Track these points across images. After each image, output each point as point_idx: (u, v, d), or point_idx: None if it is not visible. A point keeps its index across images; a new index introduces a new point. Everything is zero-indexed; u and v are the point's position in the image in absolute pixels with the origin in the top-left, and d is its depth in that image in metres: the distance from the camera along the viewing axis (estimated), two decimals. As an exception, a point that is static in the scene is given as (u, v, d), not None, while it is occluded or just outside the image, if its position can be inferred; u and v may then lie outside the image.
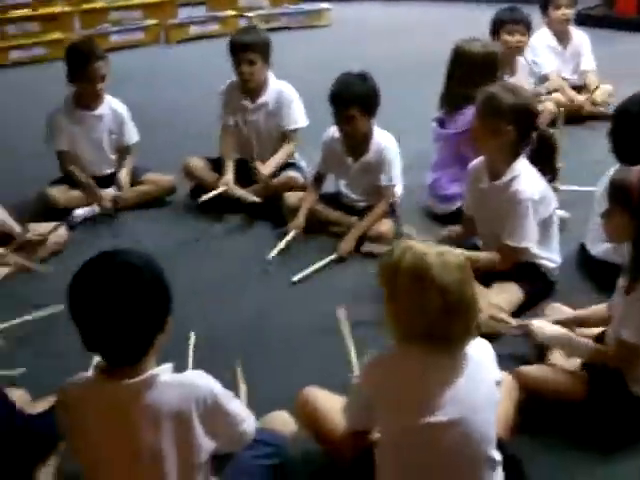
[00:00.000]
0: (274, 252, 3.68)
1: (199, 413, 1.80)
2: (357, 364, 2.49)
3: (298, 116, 4.23)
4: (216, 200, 4.14)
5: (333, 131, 3.80)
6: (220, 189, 4.11)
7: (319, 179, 3.96)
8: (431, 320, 1.89)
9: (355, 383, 2.07)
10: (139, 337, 1.77)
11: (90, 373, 1.84)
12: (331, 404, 2.24)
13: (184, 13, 8.53)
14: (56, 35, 7.67)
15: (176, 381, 1.82)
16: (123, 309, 1.71)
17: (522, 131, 3.06)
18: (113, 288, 1.71)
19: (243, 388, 2.49)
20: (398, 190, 3.82)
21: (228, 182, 4.13)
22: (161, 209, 4.34)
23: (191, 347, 2.76)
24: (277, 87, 4.23)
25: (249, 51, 4.05)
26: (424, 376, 1.92)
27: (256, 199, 4.14)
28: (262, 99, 4.21)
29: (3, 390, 2.20)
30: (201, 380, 1.85)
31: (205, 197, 4.09)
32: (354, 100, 3.58)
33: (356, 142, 3.74)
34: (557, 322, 2.69)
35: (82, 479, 1.92)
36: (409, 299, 1.91)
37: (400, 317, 1.94)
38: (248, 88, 4.19)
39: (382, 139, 3.74)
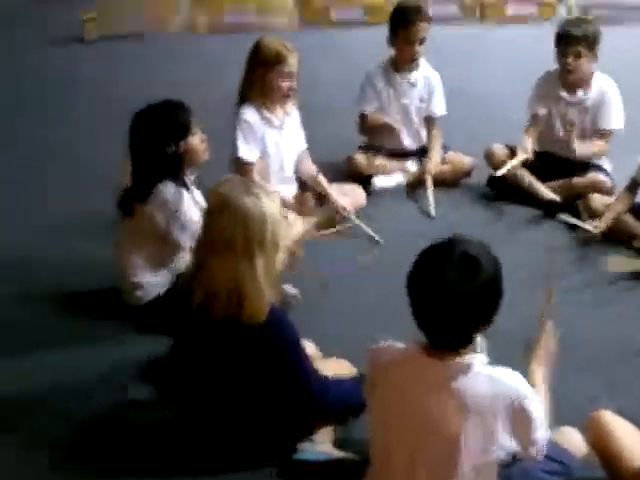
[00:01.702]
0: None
1: (505, 411, 1.79)
2: None
3: (616, 118, 4.04)
4: (510, 191, 4.10)
5: None
6: (519, 157, 4.00)
7: (634, 187, 3.71)
8: None
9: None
10: (466, 329, 1.82)
11: (404, 345, 1.91)
12: (631, 439, 2.11)
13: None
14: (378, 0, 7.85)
15: (488, 374, 1.83)
16: (460, 302, 1.75)
17: None
18: (454, 281, 1.75)
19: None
20: None
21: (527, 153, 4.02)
22: (456, 189, 4.32)
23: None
24: (601, 84, 4.04)
25: (577, 44, 3.89)
26: None
27: (555, 197, 4.03)
28: (583, 94, 4.04)
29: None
30: (512, 379, 1.84)
31: (503, 170, 3.97)
32: None
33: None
34: None
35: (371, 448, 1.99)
36: None
37: None
38: (570, 81, 4.03)
39: None
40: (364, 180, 4.22)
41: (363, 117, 4.32)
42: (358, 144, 4.40)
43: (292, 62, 3.59)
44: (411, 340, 1.89)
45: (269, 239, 2.13)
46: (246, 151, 3.64)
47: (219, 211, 2.15)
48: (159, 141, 2.84)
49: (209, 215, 2.20)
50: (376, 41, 4.36)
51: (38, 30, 7.38)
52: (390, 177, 4.33)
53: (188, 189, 2.94)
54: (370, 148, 4.36)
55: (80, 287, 3.31)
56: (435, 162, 4.26)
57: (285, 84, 3.61)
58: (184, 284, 2.32)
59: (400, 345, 1.94)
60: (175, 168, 2.89)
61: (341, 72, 6.12)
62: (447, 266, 1.77)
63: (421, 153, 4.38)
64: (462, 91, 5.38)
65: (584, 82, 4.04)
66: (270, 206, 2.15)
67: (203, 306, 2.14)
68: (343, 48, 6.98)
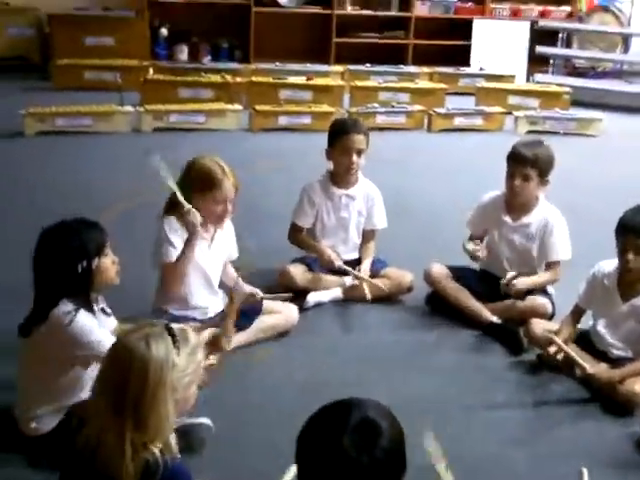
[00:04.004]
0: None
1: None
2: None
3: (562, 248, 3.94)
4: (452, 310, 4.00)
5: (606, 265, 3.45)
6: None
7: (578, 313, 3.59)
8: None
9: None
10: None
11: None
12: None
13: (451, 102, 8.49)
14: (324, 107, 7.88)
15: None
16: (357, 474, 1.53)
17: None
18: (351, 449, 1.54)
19: None
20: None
21: None
22: (393, 306, 4.16)
23: None
24: (546, 212, 3.96)
25: (526, 167, 3.82)
26: None
27: (495, 319, 3.91)
28: (526, 219, 3.96)
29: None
30: None
31: None
32: None
33: (632, 281, 3.37)
34: None
35: None
36: None
37: None
38: (515, 204, 3.96)
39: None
40: (297, 294, 4.01)
41: (295, 227, 4.21)
42: (293, 256, 4.26)
43: (227, 186, 3.41)
44: None
45: (150, 391, 1.87)
46: (173, 254, 3.40)
47: (107, 355, 1.96)
48: (65, 259, 2.65)
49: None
50: (320, 147, 4.26)
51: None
52: (326, 292, 4.15)
53: (91, 310, 2.72)
54: (305, 261, 4.20)
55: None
56: (364, 271, 4.13)
57: (219, 208, 3.45)
58: (76, 420, 2.10)
59: None
60: (79, 288, 2.69)
61: (283, 176, 6.05)
62: (343, 433, 1.55)
63: (352, 264, 4.22)
64: (404, 205, 5.31)
65: (528, 207, 3.95)
66: (159, 354, 1.89)
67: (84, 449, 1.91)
68: (289, 152, 6.91)
